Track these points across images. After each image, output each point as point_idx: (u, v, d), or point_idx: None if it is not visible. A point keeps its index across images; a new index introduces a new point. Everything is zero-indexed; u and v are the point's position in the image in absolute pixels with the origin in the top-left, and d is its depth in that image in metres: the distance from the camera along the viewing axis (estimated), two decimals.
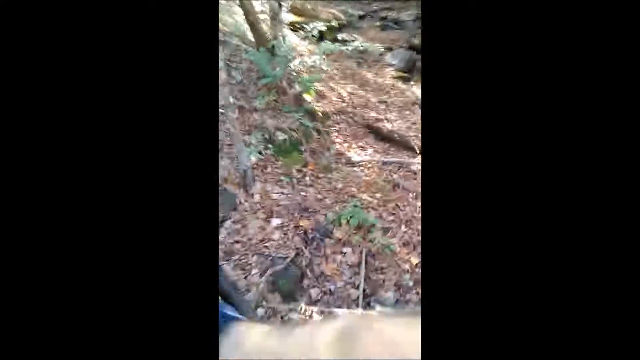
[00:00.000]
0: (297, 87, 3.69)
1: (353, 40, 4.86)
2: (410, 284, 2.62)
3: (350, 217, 2.78)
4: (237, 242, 2.43)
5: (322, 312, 1.90)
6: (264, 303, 2.04)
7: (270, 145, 3.07)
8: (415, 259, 2.80)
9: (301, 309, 1.96)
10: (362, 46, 4.28)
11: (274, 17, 3.68)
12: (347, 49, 4.16)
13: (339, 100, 4.59)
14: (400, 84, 5.50)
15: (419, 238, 2.99)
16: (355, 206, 2.90)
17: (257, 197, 2.76)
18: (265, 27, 3.84)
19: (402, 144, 4.01)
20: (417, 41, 6.65)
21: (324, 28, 4.74)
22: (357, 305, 2.38)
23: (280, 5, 3.62)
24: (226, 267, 2.25)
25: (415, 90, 5.42)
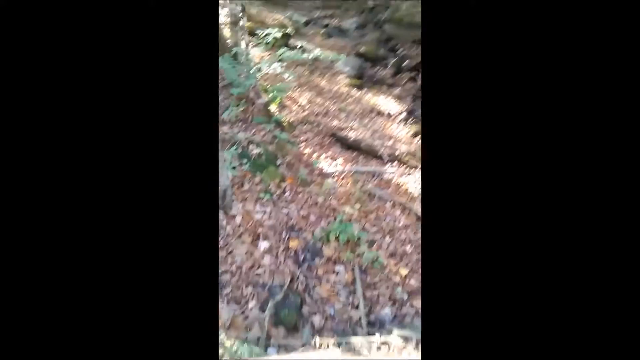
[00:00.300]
0: (264, 97, 3.49)
1: (313, 48, 4.77)
2: (405, 297, 2.58)
3: (340, 233, 2.66)
4: (225, 272, 2.18)
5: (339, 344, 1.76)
6: (272, 341, 1.84)
7: (245, 160, 2.84)
8: (404, 270, 2.76)
9: (315, 344, 1.80)
10: (322, 54, 4.19)
11: (235, 22, 3.45)
12: (307, 57, 4.04)
13: (300, 109, 4.46)
14: (354, 92, 5.52)
15: (404, 248, 2.97)
16: (341, 221, 2.79)
17: (238, 219, 2.52)
18: (224, 33, 3.58)
19: (369, 153, 3.99)
20: (363, 49, 6.76)
21: (279, 34, 4.57)
22: (362, 327, 2.26)
23: (243, 9, 3.39)
24: None
25: (370, 98, 5.48)
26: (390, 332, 2.00)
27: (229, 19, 3.51)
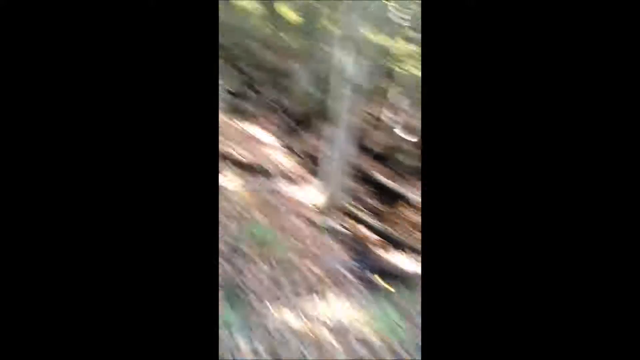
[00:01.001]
0: None
1: None
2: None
3: (255, 231, 2.78)
4: None
5: None
6: None
7: None
8: (316, 269, 3.04)
9: None
10: None
11: None
12: None
13: None
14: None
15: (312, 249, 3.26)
16: (254, 223, 2.91)
17: None
18: None
19: (259, 172, 4.24)
20: None
21: None
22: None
23: None
24: None
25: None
26: None
27: None
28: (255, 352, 1.54)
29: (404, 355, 1.68)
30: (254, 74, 8.33)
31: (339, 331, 1.78)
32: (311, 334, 1.72)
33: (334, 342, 1.67)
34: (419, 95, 5.82)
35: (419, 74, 4.83)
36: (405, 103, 6.06)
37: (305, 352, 1.61)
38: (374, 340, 1.75)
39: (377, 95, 7.07)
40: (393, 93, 5.96)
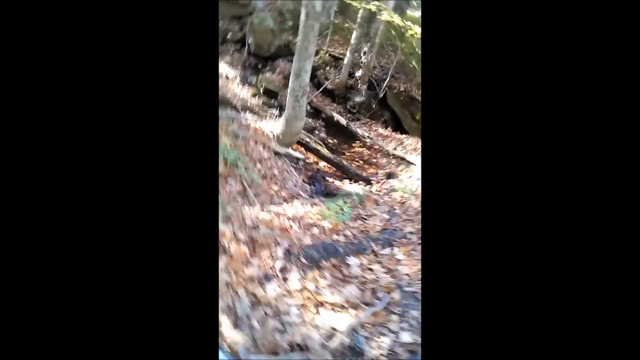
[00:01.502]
0: None
1: None
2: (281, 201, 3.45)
3: (227, 155, 3.27)
4: None
5: None
6: None
7: None
8: (275, 187, 3.62)
9: None
10: None
11: None
12: None
13: None
14: None
15: (272, 172, 3.80)
16: (225, 147, 3.38)
17: None
18: None
19: (225, 104, 4.58)
20: None
21: None
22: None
23: None
24: None
25: None
26: None
27: None
28: (236, 237, 2.13)
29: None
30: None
31: (298, 220, 2.43)
32: (276, 223, 2.34)
33: (294, 227, 2.32)
34: (379, 37, 6.19)
35: (384, 16, 5.10)
36: (365, 45, 6.43)
37: (274, 235, 2.23)
38: (325, 223, 2.43)
39: (339, 35, 7.32)
40: (355, 34, 6.27)
